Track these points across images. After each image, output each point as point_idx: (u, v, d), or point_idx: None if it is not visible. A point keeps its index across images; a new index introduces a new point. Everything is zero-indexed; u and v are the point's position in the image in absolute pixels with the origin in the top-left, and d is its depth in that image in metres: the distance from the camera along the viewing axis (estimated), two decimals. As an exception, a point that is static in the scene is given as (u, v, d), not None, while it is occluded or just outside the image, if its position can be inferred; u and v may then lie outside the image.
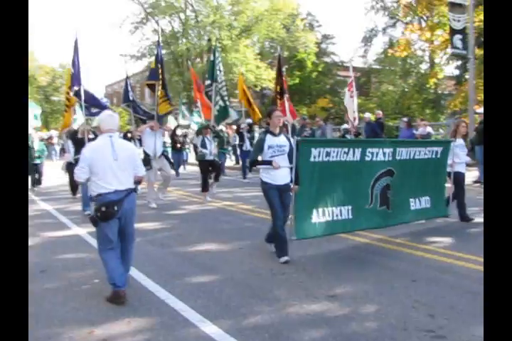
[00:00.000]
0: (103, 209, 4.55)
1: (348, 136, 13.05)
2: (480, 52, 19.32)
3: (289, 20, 34.11)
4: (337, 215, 6.38)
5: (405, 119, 15.82)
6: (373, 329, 3.91)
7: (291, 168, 5.93)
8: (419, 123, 14.80)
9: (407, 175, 7.35)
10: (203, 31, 32.96)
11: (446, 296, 4.63)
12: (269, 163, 5.82)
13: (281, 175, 5.88)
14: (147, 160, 9.98)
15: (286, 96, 12.40)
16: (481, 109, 12.73)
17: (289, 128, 12.38)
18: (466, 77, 18.30)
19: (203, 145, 11.05)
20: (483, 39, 19.57)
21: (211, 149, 11.11)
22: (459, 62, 27.17)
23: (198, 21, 32.98)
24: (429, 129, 14.28)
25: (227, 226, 8.30)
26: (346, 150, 6.45)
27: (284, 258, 5.79)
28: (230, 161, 20.34)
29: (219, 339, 3.76)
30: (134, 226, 4.99)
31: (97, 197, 4.66)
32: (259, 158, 6.04)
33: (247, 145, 16.09)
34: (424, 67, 34.88)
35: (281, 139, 5.97)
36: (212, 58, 12.80)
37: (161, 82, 10.99)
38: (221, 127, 13.95)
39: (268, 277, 5.37)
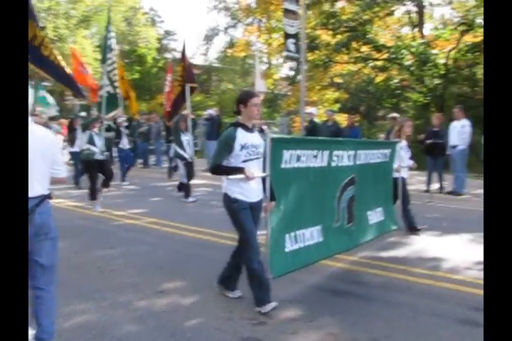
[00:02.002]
0: None
1: None
2: (311, 56, 20.65)
3: (131, 14, 33.35)
4: (308, 239, 5.21)
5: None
6: (199, 322, 3.98)
7: (263, 179, 4.45)
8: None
9: (364, 184, 6.44)
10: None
11: (271, 285, 4.87)
12: (241, 170, 4.14)
13: (255, 188, 4.29)
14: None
15: (188, 86, 10.92)
16: (309, 109, 13.57)
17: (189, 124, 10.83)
18: (299, 78, 19.48)
19: (91, 142, 9.03)
20: (312, 44, 20.87)
21: (101, 146, 9.16)
22: (294, 65, 28.71)
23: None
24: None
25: (57, 224, 7.88)
26: (315, 153, 5.31)
27: (272, 304, 4.22)
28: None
29: (37, 343, 3.57)
30: (55, 252, 3.48)
31: None
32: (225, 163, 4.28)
33: (124, 143, 13.76)
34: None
35: (256, 137, 4.31)
36: (104, 33, 10.46)
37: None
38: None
39: (95, 275, 5.20)
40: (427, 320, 4.05)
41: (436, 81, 21.37)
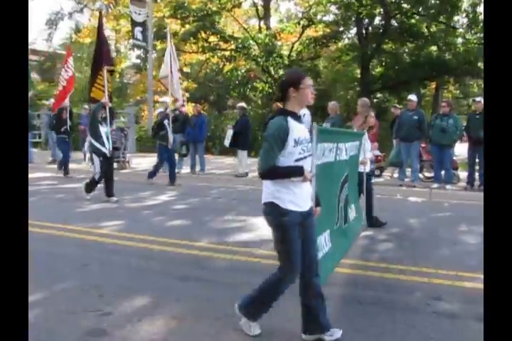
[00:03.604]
0: None
1: (166, 122, 11.40)
2: (160, 45, 20.48)
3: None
4: (323, 247, 4.44)
5: (86, 106, 15.94)
6: (41, 317, 3.84)
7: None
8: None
9: (349, 178, 5.77)
10: None
11: (116, 276, 4.84)
12: (301, 171, 3.30)
13: (307, 194, 3.47)
14: None
15: (105, 69, 9.42)
16: (163, 98, 13.48)
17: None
18: (147, 66, 19.30)
19: None
20: (161, 33, 20.72)
21: None
22: (142, 53, 28.28)
23: None
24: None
25: None
26: (331, 146, 4.59)
27: (338, 331, 3.46)
28: None
29: None
30: None
31: None
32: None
33: None
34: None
35: (305, 129, 3.47)
36: None
37: None
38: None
39: None
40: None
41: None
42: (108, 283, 4.61)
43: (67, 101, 12.94)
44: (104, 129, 9.04)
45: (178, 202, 9.13)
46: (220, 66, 24.42)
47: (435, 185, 10.43)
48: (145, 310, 4.00)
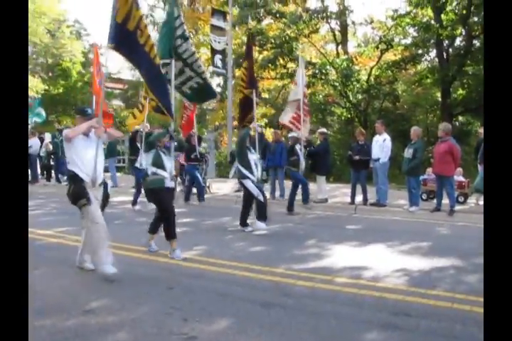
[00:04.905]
0: None
1: (297, 147, 11.13)
2: (238, 72, 20.98)
3: (54, 26, 32.47)
4: None
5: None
6: (128, 339, 3.95)
7: None
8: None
9: None
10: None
11: (200, 300, 4.90)
12: None
13: None
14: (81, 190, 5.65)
15: (254, 92, 9.35)
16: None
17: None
18: (227, 94, 19.77)
19: (158, 164, 6.65)
20: (239, 60, 21.19)
21: (171, 170, 6.75)
22: (221, 80, 28.96)
23: None
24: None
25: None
26: None
27: None
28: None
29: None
30: None
31: None
32: None
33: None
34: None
35: None
36: (167, 22, 7.84)
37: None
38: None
39: (19, 297, 5.04)
40: (350, 327, 4.20)
41: (359, 96, 22.23)
42: (192, 307, 4.68)
43: (194, 128, 12.97)
44: (252, 156, 8.72)
45: (258, 227, 9.15)
46: (298, 91, 24.59)
47: (525, 213, 9.88)
48: (229, 335, 4.01)
